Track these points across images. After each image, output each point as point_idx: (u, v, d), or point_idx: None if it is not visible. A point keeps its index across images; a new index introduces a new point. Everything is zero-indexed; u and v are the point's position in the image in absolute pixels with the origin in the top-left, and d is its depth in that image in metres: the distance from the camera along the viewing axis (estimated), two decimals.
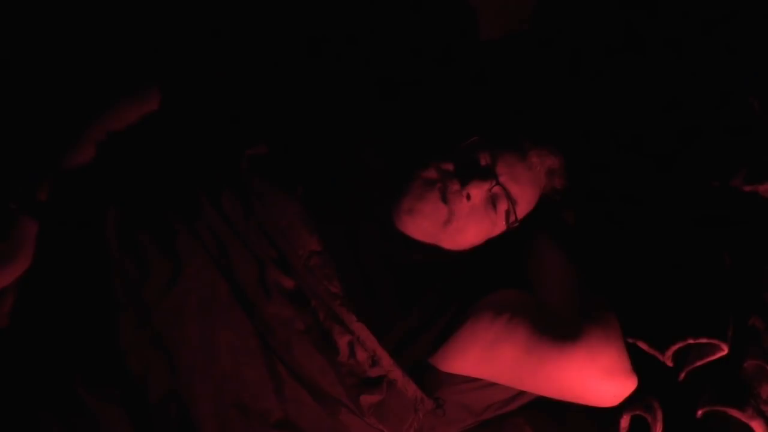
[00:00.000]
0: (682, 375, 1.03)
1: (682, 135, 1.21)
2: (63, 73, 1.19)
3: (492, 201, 1.10)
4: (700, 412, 1.01)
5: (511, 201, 1.11)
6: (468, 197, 1.08)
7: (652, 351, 1.03)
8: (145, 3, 1.31)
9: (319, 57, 1.35)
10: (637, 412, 1.02)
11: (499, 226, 1.13)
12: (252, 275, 0.98)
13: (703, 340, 0.99)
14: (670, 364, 1.02)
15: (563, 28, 1.45)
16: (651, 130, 1.24)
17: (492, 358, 1.05)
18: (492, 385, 1.11)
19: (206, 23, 1.32)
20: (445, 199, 1.08)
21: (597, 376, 0.99)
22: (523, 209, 1.14)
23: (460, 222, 1.09)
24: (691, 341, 1.00)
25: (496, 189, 1.10)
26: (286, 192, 1.05)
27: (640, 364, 1.03)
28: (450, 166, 1.10)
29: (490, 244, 1.15)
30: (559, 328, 1.03)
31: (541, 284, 1.12)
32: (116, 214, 0.99)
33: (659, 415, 1.01)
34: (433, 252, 1.12)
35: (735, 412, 0.98)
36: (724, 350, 0.99)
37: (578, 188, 1.23)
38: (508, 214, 1.12)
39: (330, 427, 0.99)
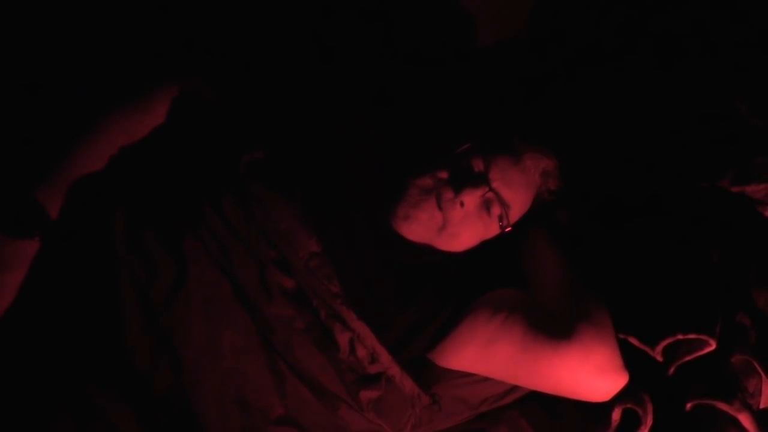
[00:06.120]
0: (672, 369, 1.05)
1: (672, 137, 1.23)
2: (69, 83, 1.20)
3: (485, 206, 1.12)
4: (689, 406, 1.03)
5: (504, 206, 1.13)
6: (462, 204, 1.10)
7: (642, 346, 1.05)
8: (145, 13, 1.32)
9: (315, 62, 1.36)
10: (628, 406, 1.03)
11: (493, 230, 1.15)
12: (253, 276, 1.00)
13: (692, 336, 1.02)
14: (660, 359, 1.05)
15: (558, 33, 1.46)
16: (642, 133, 1.26)
17: (488, 354, 1.07)
18: (488, 379, 1.12)
19: (203, 31, 1.33)
20: (440, 207, 1.10)
21: (590, 374, 1.01)
22: (516, 213, 1.16)
23: (455, 228, 1.11)
24: (680, 337, 1.02)
25: (489, 195, 1.12)
26: (285, 195, 1.06)
27: (631, 359, 1.04)
28: (444, 174, 1.12)
29: (487, 244, 1.17)
30: (554, 327, 1.04)
31: (537, 283, 1.14)
32: (124, 217, 0.99)
33: (649, 409, 1.03)
34: (430, 253, 1.14)
35: (723, 405, 1.01)
36: (713, 345, 1.01)
37: (571, 189, 1.24)
38: (501, 218, 1.14)
39: (330, 422, 1.00)
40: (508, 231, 1.16)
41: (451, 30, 1.49)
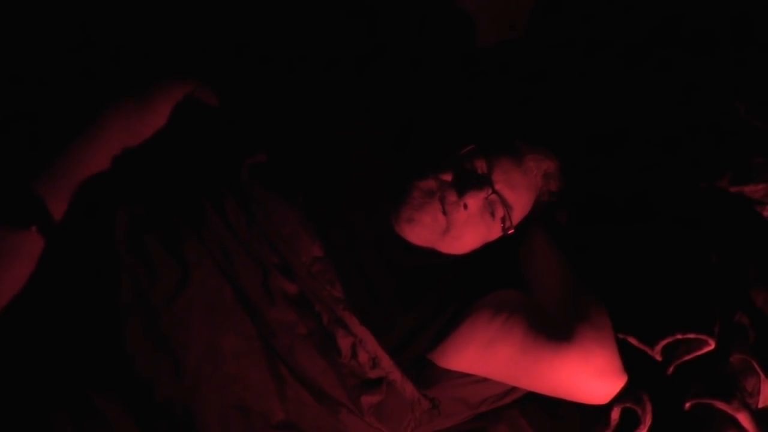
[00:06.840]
0: (671, 369, 1.06)
1: (671, 138, 1.23)
2: (70, 83, 1.19)
3: (488, 208, 1.12)
4: (687, 405, 1.03)
5: (507, 207, 1.13)
6: (465, 207, 1.10)
7: (641, 346, 1.06)
8: (149, 13, 1.31)
9: (317, 65, 1.35)
10: (628, 405, 1.04)
11: (496, 232, 1.15)
12: (256, 281, 0.99)
13: (691, 336, 1.02)
14: (659, 358, 1.05)
15: (557, 33, 1.46)
16: (641, 134, 1.26)
17: (489, 356, 1.07)
18: (487, 379, 1.13)
19: (206, 33, 1.32)
20: (444, 210, 1.10)
21: (589, 377, 1.01)
22: (518, 214, 1.16)
23: (458, 230, 1.11)
24: (679, 336, 1.03)
25: (493, 197, 1.12)
26: (287, 200, 1.05)
27: (630, 358, 1.05)
28: (448, 176, 1.12)
29: (488, 246, 1.17)
30: (554, 329, 1.05)
31: (538, 285, 1.14)
32: (126, 219, 0.98)
33: (648, 408, 1.04)
34: (432, 255, 1.14)
35: (721, 405, 1.01)
36: (712, 345, 1.02)
37: (571, 190, 1.24)
38: (504, 220, 1.14)
39: (331, 426, 1.00)
40: (511, 233, 1.16)
41: (452, 31, 1.49)
